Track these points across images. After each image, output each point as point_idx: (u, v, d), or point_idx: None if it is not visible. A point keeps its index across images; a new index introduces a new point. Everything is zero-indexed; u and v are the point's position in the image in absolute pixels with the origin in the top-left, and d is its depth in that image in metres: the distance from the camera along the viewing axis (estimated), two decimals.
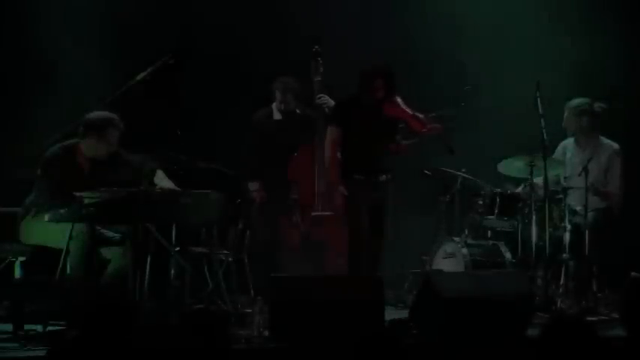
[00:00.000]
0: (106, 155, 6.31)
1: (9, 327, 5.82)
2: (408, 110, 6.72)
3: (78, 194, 5.84)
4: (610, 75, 8.06)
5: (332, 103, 7.52)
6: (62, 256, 5.83)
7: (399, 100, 6.74)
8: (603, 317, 6.55)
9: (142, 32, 7.81)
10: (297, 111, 7.69)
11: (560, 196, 7.09)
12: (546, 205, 6.89)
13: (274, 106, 7.66)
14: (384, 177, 6.70)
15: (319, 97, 7.64)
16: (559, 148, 7.53)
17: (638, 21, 8.34)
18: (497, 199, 7.46)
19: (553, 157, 7.33)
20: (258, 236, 7.05)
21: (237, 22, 8.01)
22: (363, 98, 6.75)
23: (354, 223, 6.68)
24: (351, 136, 6.74)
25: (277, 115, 7.66)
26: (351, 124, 6.74)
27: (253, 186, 7.55)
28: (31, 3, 7.62)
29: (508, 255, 7.46)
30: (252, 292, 6.55)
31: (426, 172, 7.95)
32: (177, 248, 6.19)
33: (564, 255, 7.01)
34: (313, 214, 7.55)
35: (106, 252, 6.20)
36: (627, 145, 7.49)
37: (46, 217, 5.84)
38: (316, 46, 7.74)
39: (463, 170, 7.78)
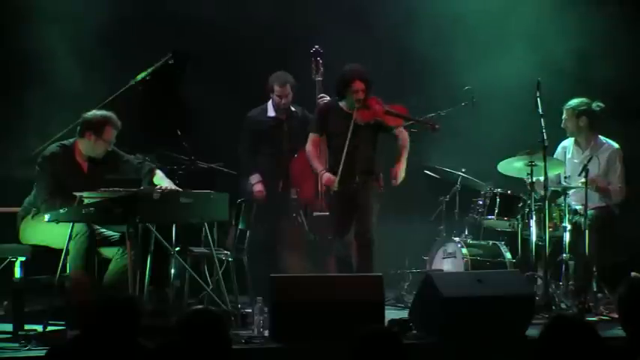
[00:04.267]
0: (103, 154, 6.32)
1: (9, 327, 5.81)
2: (380, 108, 6.85)
3: (78, 194, 5.85)
4: (610, 73, 8.06)
5: None
6: (62, 256, 5.83)
7: (371, 101, 6.85)
8: (603, 317, 6.56)
9: (142, 32, 7.80)
10: (293, 109, 7.70)
11: (561, 196, 7.10)
12: (546, 205, 6.89)
13: (269, 103, 7.66)
14: (358, 178, 6.85)
15: (321, 97, 7.66)
16: (559, 149, 7.53)
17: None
18: (497, 199, 7.47)
19: (553, 157, 7.33)
20: (258, 236, 7.05)
21: (238, 21, 8.00)
22: (344, 103, 6.89)
23: (336, 222, 6.98)
24: (330, 143, 6.98)
25: (272, 112, 7.67)
26: (331, 130, 6.95)
27: (254, 179, 7.57)
28: (29, 3, 7.61)
29: (508, 255, 7.47)
30: (252, 292, 6.54)
31: (426, 172, 7.95)
32: (177, 248, 6.18)
33: (564, 255, 7.01)
34: (315, 214, 7.56)
35: (106, 252, 6.21)
36: (627, 145, 7.49)
37: (46, 218, 5.83)
38: (316, 46, 7.75)
39: (463, 170, 7.78)
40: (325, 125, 7.00)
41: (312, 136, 7.11)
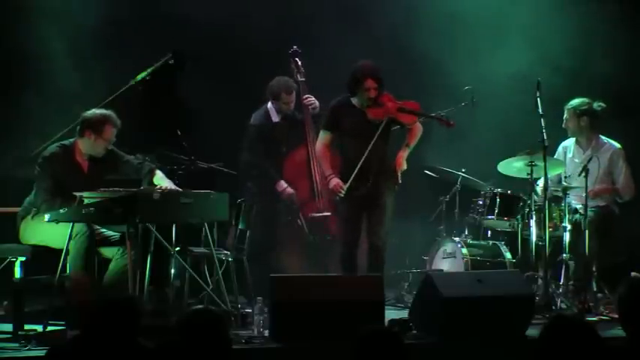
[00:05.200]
0: (103, 153, 6.33)
1: (9, 327, 5.81)
2: (394, 105, 6.72)
3: (78, 194, 5.85)
4: (609, 71, 8.06)
5: (317, 103, 7.54)
6: (62, 256, 5.83)
7: (384, 98, 6.73)
8: (603, 317, 6.56)
9: (141, 32, 7.80)
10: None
11: (560, 195, 7.11)
12: (546, 205, 6.89)
13: (270, 108, 7.61)
14: (372, 177, 6.68)
15: (306, 98, 7.64)
16: (559, 149, 7.54)
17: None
18: (497, 199, 7.47)
19: (553, 157, 7.34)
20: (257, 237, 7.04)
21: (237, 21, 7.99)
22: (356, 100, 6.77)
23: (345, 228, 6.79)
24: (343, 139, 6.81)
25: (276, 118, 7.62)
26: (343, 127, 6.79)
27: (281, 185, 7.51)
28: (28, 3, 7.61)
29: (508, 255, 7.47)
30: (251, 292, 6.54)
31: (426, 172, 7.95)
32: (177, 248, 6.18)
33: (564, 255, 7.01)
34: (312, 214, 7.55)
35: (106, 252, 6.21)
36: (626, 144, 7.49)
37: (46, 217, 5.83)
38: (294, 47, 7.75)
39: (463, 170, 7.78)
40: (338, 122, 6.82)
41: (323, 135, 6.90)
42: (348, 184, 6.68)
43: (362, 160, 6.59)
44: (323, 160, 6.91)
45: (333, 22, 8.18)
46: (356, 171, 6.62)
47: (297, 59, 7.75)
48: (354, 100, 6.79)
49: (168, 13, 7.87)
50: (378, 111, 6.71)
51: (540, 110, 6.90)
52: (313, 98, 7.63)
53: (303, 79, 7.72)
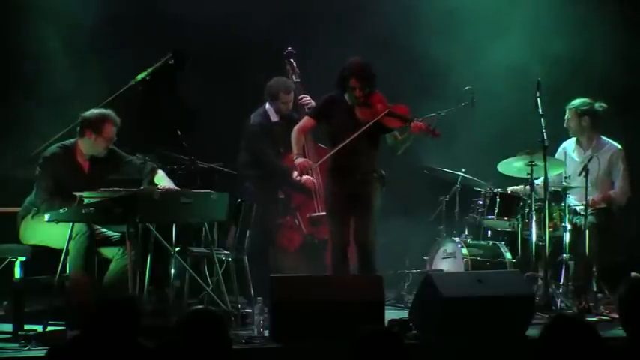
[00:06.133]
0: (104, 153, 6.33)
1: (9, 327, 5.82)
2: (382, 107, 6.59)
3: (78, 194, 5.85)
4: (610, 73, 8.07)
5: (313, 103, 7.52)
6: (62, 256, 5.84)
7: (375, 99, 6.63)
8: (603, 317, 6.56)
9: (141, 32, 7.80)
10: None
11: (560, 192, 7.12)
12: (546, 205, 6.89)
13: (269, 108, 7.58)
14: (359, 177, 6.61)
15: (302, 98, 7.64)
16: (560, 150, 7.53)
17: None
18: (497, 199, 7.46)
19: (554, 157, 7.34)
20: (257, 237, 7.02)
21: (237, 21, 7.99)
22: (347, 96, 6.69)
23: (333, 225, 6.70)
24: (331, 135, 6.74)
25: (275, 117, 7.60)
26: (331, 123, 6.72)
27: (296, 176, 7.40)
28: (28, 3, 7.61)
29: (508, 255, 7.47)
30: (252, 292, 6.54)
31: (426, 172, 7.95)
32: (177, 248, 6.18)
33: (564, 255, 7.01)
34: (311, 215, 7.55)
35: (106, 252, 6.21)
36: (627, 145, 7.49)
37: (46, 218, 5.84)
38: (289, 48, 7.74)
39: (463, 170, 7.78)
40: (327, 115, 6.71)
41: (306, 119, 6.82)
42: (319, 161, 6.63)
43: (341, 145, 6.47)
44: (295, 139, 6.75)
45: (333, 21, 8.18)
46: (334, 150, 6.52)
47: (291, 60, 7.75)
48: (347, 97, 6.70)
49: (168, 13, 7.87)
50: (366, 112, 6.61)
51: (540, 110, 6.91)
52: (309, 98, 7.63)
53: (299, 79, 7.71)
